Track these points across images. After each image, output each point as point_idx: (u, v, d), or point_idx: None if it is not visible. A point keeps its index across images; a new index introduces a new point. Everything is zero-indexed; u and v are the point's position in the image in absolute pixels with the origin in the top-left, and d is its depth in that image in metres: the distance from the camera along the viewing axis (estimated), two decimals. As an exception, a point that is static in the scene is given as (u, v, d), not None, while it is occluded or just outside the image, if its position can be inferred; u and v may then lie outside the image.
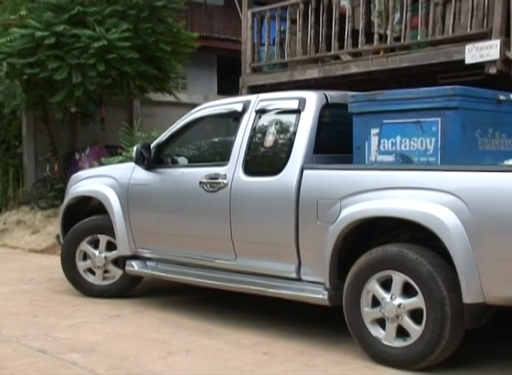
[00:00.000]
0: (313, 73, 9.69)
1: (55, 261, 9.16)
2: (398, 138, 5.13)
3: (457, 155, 4.92)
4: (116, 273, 6.89)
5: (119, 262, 6.75)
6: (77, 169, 10.45)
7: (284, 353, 5.06)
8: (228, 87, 15.63)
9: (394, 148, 5.16)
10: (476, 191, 4.42)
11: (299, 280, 5.38)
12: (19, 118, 13.35)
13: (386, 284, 4.76)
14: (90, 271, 7.01)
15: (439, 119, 4.94)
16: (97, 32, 10.43)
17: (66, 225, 7.29)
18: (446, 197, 4.48)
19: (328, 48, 9.52)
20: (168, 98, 12.81)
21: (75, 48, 10.58)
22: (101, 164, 9.94)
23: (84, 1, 10.85)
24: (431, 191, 4.58)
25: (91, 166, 10.85)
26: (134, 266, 6.62)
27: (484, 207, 4.36)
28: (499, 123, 5.28)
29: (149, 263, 6.59)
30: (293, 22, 10.02)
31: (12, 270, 8.70)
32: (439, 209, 4.49)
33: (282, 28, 10.27)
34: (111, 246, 6.89)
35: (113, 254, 6.86)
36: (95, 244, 6.98)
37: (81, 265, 7.01)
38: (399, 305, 4.66)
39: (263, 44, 10.47)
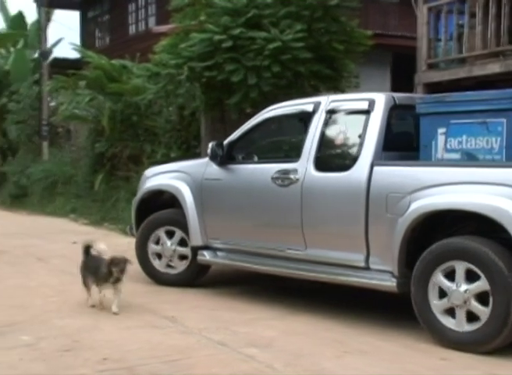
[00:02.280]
0: (493, 67, 9.31)
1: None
2: (464, 137, 5.55)
3: None
4: (180, 265, 7.40)
5: (192, 252, 7.21)
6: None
7: (462, 359, 4.90)
8: (402, 85, 15.34)
9: (460, 146, 5.58)
10: None
11: (367, 268, 5.74)
12: (198, 119, 13.87)
13: (450, 275, 5.11)
14: (159, 257, 7.54)
15: (505, 120, 5.30)
16: (272, 34, 10.59)
17: (139, 217, 7.78)
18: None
19: (511, 41, 9.11)
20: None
21: (250, 50, 10.80)
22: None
23: (260, 4, 11.07)
24: (497, 185, 4.93)
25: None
26: (206, 256, 7.05)
27: None
28: None
29: (219, 253, 7.01)
30: (472, 15, 9.67)
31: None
32: (505, 202, 4.84)
33: (460, 22, 9.94)
34: (183, 242, 7.37)
35: (183, 250, 7.36)
36: (171, 235, 7.46)
37: (153, 249, 7.54)
38: (465, 291, 5.01)
39: (440, 40, 10.20)
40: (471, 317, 5.03)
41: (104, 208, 13.98)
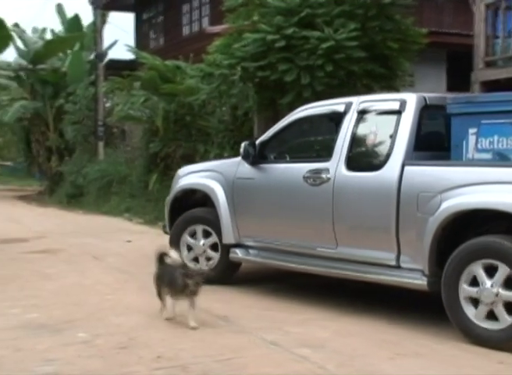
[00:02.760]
0: (553, 65, 9.11)
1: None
2: (495, 137, 5.57)
3: None
4: (210, 262, 7.47)
5: (222, 250, 7.33)
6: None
7: (521, 363, 4.80)
8: (458, 83, 15.12)
9: (491, 146, 5.59)
10: None
11: (398, 267, 5.80)
12: (251, 119, 13.90)
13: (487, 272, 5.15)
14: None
15: None
16: (326, 33, 10.55)
17: (173, 216, 7.92)
18: None
19: None
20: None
21: (304, 49, 10.78)
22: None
23: (313, 3, 11.04)
24: None
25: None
26: (238, 253, 7.19)
27: None
28: None
29: (251, 251, 7.14)
30: (531, 12, 9.48)
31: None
32: None
33: (518, 19, 9.76)
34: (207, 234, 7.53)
35: (210, 240, 7.50)
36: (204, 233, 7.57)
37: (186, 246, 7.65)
38: (496, 294, 5.06)
39: (498, 37, 10.00)
40: (494, 316, 5.13)
41: (158, 207, 14.11)
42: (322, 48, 10.44)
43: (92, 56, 22.23)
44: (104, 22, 22.82)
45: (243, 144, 7.13)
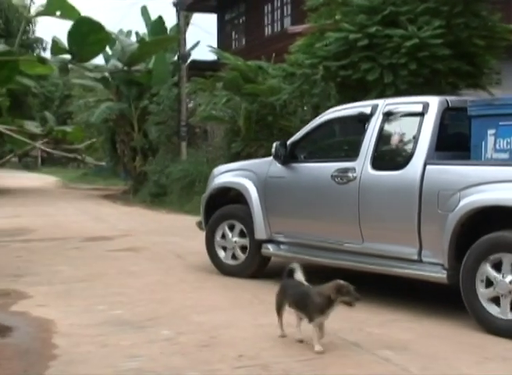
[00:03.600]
0: None
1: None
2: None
3: None
4: (240, 256, 7.92)
5: (252, 245, 7.73)
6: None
7: None
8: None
9: (509, 146, 5.89)
10: None
11: (420, 261, 6.12)
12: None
13: (497, 267, 5.47)
14: (224, 249, 8.13)
15: None
16: (409, 31, 10.40)
17: (208, 213, 8.34)
18: None
19: None
20: (480, 94, 12.37)
21: (386, 48, 10.65)
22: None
23: (396, 0, 10.89)
24: None
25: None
26: (270, 249, 7.58)
27: None
28: None
29: (282, 246, 7.51)
30: None
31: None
32: None
33: None
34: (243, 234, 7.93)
35: (242, 241, 7.90)
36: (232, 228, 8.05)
37: (218, 242, 8.15)
38: (510, 282, 5.35)
39: None
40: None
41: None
42: (406, 46, 10.30)
43: (175, 57, 22.57)
44: (187, 23, 23.14)
45: (274, 144, 7.49)
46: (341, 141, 7.81)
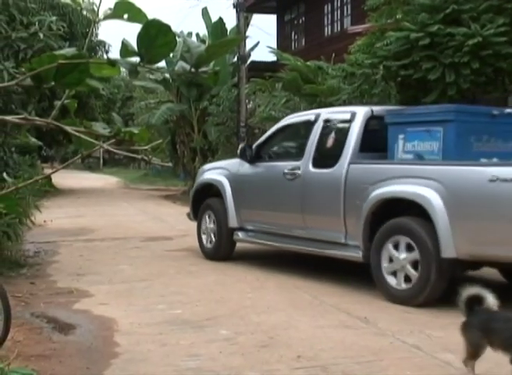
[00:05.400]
0: None
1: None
2: (416, 142, 7.24)
3: (453, 154, 6.89)
4: (213, 241, 9.50)
5: (222, 232, 9.17)
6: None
7: None
8: None
9: (413, 149, 7.25)
10: (451, 177, 6.42)
11: (346, 244, 7.38)
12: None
13: (397, 246, 6.72)
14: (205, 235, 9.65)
15: (442, 129, 7.02)
16: (472, 29, 10.22)
17: (195, 205, 9.88)
18: (433, 183, 6.45)
19: None
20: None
21: (448, 47, 10.49)
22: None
23: (459, -2, 10.73)
24: (426, 179, 6.53)
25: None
26: (239, 235, 9.01)
27: (456, 188, 6.33)
28: (494, 131, 7.23)
29: (250, 233, 8.92)
30: None
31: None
32: (428, 192, 6.45)
33: None
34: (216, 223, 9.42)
35: (215, 228, 9.44)
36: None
37: (202, 229, 9.71)
38: (403, 259, 6.64)
39: None
40: (407, 279, 6.62)
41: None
42: (468, 45, 10.12)
43: (235, 59, 22.67)
44: (247, 24, 23.21)
45: (240, 147, 9.07)
46: (292, 143, 8.96)
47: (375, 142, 7.57)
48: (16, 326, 5.55)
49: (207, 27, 24.85)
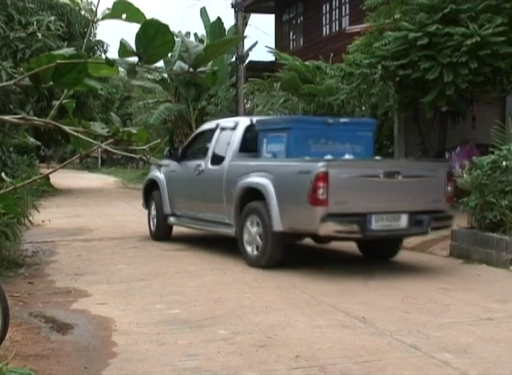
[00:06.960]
0: None
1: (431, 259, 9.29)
2: (273, 144, 9.30)
3: (293, 153, 8.87)
4: (154, 225, 11.95)
5: (160, 217, 11.42)
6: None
7: None
8: None
9: (272, 149, 9.31)
10: (278, 171, 8.59)
11: (228, 224, 9.52)
12: (390, 118, 13.69)
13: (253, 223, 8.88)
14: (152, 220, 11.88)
15: (285, 134, 9.09)
16: (470, 29, 10.23)
17: (146, 196, 12.07)
18: (269, 175, 8.62)
19: None
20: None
21: (447, 46, 10.52)
22: (473, 163, 9.72)
23: (456, -2, 10.73)
24: (265, 172, 8.74)
25: (462, 165, 10.68)
26: (171, 220, 11.19)
27: (280, 178, 8.48)
28: (330, 136, 9.20)
29: (179, 218, 11.03)
30: None
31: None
32: (265, 181, 8.60)
33: None
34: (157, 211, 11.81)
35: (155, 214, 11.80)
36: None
37: (152, 215, 11.88)
38: (255, 232, 8.78)
39: None
40: (257, 248, 8.74)
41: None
42: (467, 45, 10.15)
43: (233, 58, 22.65)
44: (245, 24, 23.20)
45: (167, 148, 11.68)
46: (202, 146, 10.80)
47: (252, 145, 9.59)
48: (14, 326, 5.55)
49: (205, 27, 24.84)
